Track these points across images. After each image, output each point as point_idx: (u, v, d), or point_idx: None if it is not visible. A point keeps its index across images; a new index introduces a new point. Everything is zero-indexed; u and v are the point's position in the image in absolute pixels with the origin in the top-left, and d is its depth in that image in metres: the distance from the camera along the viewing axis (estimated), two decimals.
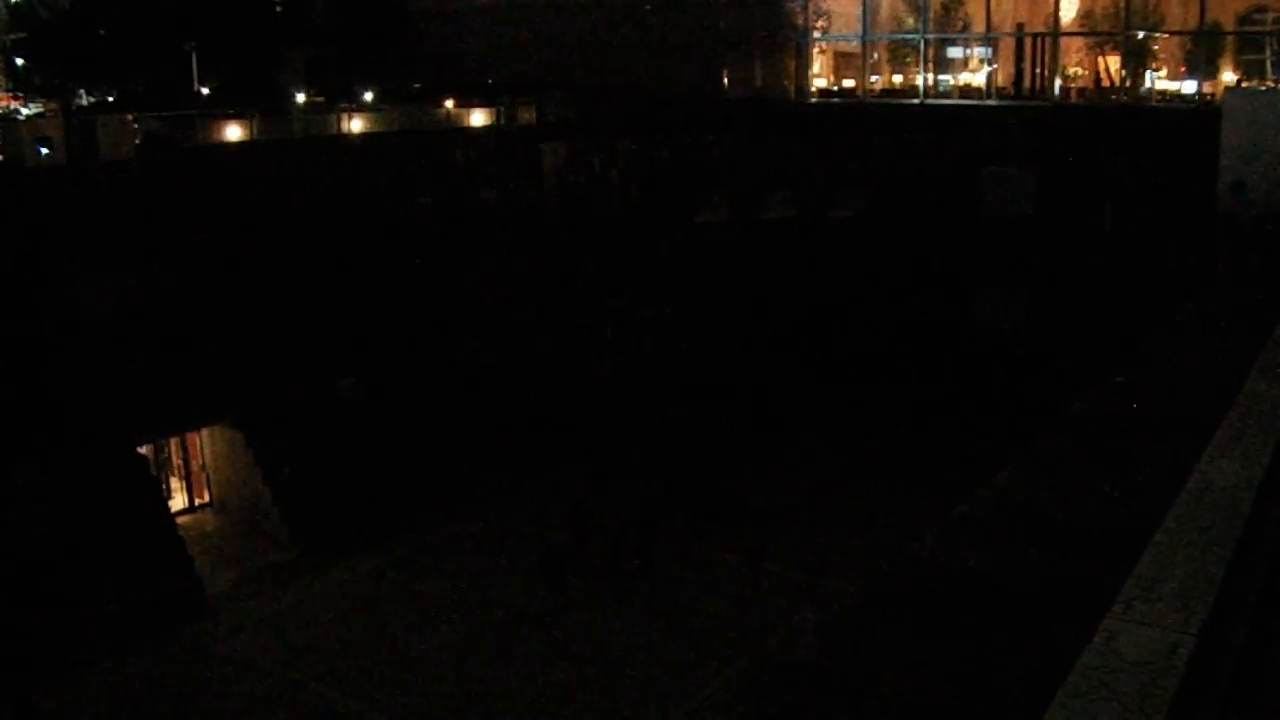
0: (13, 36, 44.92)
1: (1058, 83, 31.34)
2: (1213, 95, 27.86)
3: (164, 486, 25.31)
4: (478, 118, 36.58)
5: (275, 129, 31.64)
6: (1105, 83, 31.61)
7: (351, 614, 21.15)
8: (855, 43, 34.86)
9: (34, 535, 20.67)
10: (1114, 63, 31.34)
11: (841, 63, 36.43)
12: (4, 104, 41.98)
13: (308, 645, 20.06)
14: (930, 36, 32.97)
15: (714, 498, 25.18)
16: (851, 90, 35.33)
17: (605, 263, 31.81)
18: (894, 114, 33.31)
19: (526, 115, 37.00)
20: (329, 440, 25.28)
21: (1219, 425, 5.27)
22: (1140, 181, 27.47)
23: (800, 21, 35.81)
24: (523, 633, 20.25)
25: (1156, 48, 30.99)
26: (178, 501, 26.02)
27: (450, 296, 29.23)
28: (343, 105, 35.40)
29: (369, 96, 38.33)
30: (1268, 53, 28.67)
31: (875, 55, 35.47)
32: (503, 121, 36.49)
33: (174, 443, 26.73)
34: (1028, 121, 29.89)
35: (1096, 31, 31.86)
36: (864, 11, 33.84)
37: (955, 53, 34.02)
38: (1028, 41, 31.65)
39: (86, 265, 24.47)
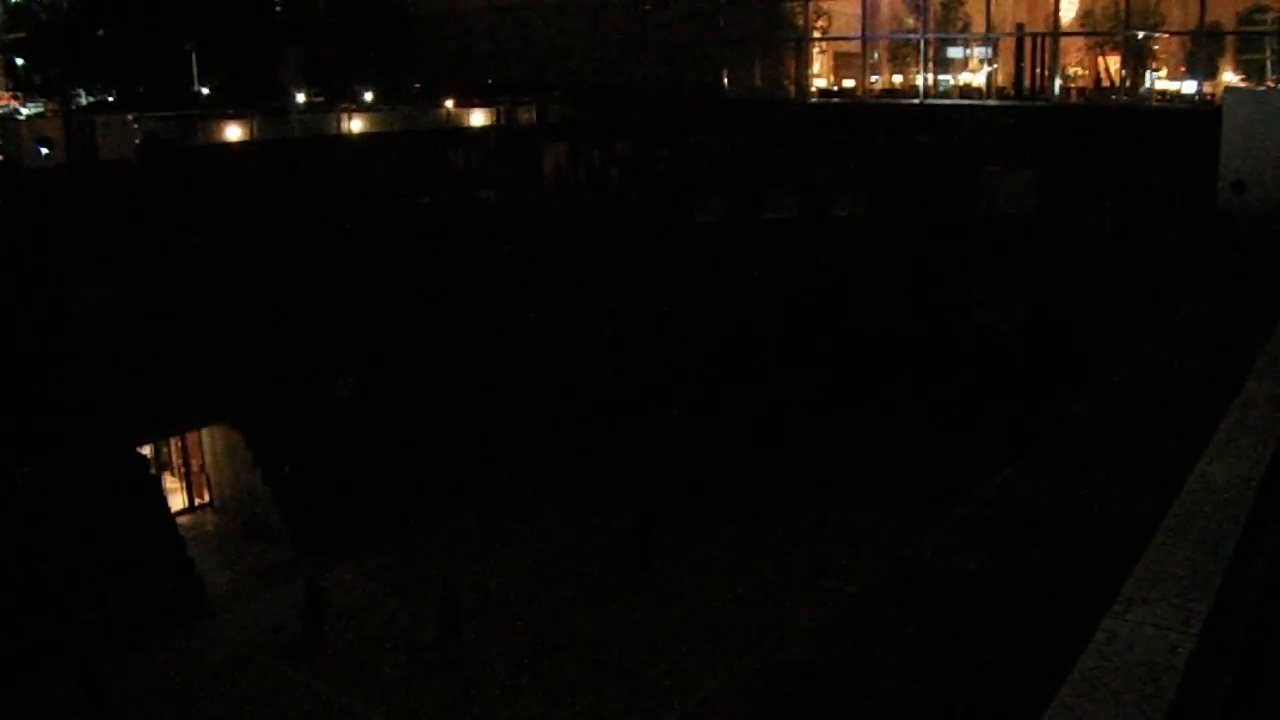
0: (13, 36, 44.91)
1: (1058, 83, 31.30)
2: (1213, 95, 27.82)
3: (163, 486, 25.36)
4: (478, 118, 36.58)
5: (275, 129, 31.65)
6: (1105, 83, 31.56)
7: (351, 613, 21.15)
8: (855, 43, 34.83)
9: (34, 535, 20.69)
10: (1114, 63, 31.30)
11: (841, 63, 36.39)
12: (4, 104, 41.96)
13: (308, 644, 20.07)
14: (930, 36, 32.94)
15: (714, 498, 25.19)
16: (851, 90, 35.30)
17: (605, 263, 31.82)
18: (894, 114, 33.27)
19: (526, 115, 37.02)
20: (329, 440, 25.29)
21: (1219, 425, 5.27)
22: (1140, 181, 27.46)
23: (800, 21, 35.79)
24: (521, 632, 20.26)
25: (1156, 48, 30.95)
26: (178, 501, 26.04)
27: (450, 296, 29.23)
28: (343, 105, 35.41)
29: (369, 96, 38.34)
30: (1268, 53, 28.63)
31: (875, 55, 35.43)
32: (503, 121, 36.48)
33: (174, 443, 26.79)
34: (1028, 121, 29.86)
35: (1096, 31, 31.81)
36: (864, 11, 33.81)
37: (955, 53, 33.98)
38: (1028, 41, 31.61)
39: (86, 265, 24.48)
